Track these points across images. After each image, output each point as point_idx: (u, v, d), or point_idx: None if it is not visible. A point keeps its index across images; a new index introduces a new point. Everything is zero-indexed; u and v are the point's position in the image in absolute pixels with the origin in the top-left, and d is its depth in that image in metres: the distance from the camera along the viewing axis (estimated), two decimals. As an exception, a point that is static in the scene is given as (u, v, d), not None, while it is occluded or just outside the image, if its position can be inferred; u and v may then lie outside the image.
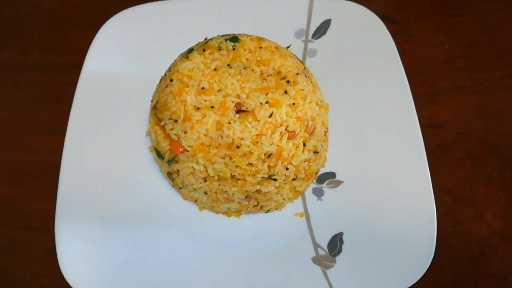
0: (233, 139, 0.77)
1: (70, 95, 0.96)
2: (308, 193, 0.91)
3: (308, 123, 0.82)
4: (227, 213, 0.88)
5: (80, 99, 0.96)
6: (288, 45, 0.91)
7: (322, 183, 0.92)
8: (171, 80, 0.82)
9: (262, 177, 0.80)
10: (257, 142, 0.77)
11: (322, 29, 1.06)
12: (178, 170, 0.83)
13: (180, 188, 0.86)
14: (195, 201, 0.88)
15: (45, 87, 1.06)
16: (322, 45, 1.05)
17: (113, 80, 0.99)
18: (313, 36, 1.06)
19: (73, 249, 0.82)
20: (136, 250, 0.84)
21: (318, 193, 0.91)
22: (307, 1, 1.07)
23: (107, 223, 0.86)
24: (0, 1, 1.19)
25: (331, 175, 0.92)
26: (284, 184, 0.84)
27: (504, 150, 0.98)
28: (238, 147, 0.77)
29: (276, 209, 0.89)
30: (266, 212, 0.89)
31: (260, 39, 0.87)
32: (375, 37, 1.03)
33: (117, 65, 1.00)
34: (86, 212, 0.86)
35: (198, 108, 0.78)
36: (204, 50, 0.83)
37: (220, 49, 0.84)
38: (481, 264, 0.87)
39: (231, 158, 0.78)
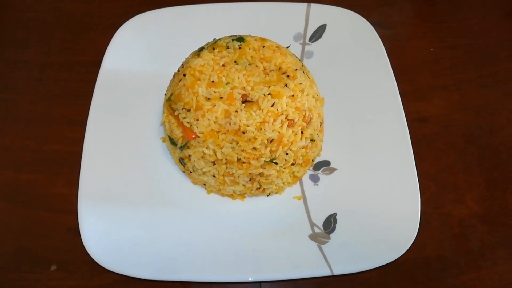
0: (239, 126, 0.85)
1: (88, 91, 1.04)
2: (305, 179, 1.00)
3: (305, 113, 0.90)
4: (233, 196, 0.97)
5: (99, 94, 1.04)
6: (288, 46, 1.01)
7: (318, 170, 1.01)
8: (184, 75, 0.91)
9: (264, 161, 0.89)
10: (261, 129, 0.86)
11: (318, 33, 1.15)
12: (189, 155, 0.92)
13: (191, 172, 0.95)
14: (204, 184, 0.97)
15: (66, 84, 1.14)
16: (318, 48, 1.14)
17: (129, 77, 1.07)
18: (310, 40, 1.15)
19: (94, 227, 0.89)
20: (150, 229, 0.91)
21: (314, 179, 1.00)
22: (304, 8, 1.16)
23: (124, 205, 0.93)
24: (24, 5, 1.28)
25: (326, 163, 1.01)
26: (284, 168, 0.92)
27: (483, 141, 1.07)
28: (244, 133, 0.86)
29: (276, 193, 0.98)
30: (267, 196, 0.98)
31: (263, 39, 0.96)
32: (366, 41, 1.11)
33: (133, 64, 1.09)
34: (105, 195, 0.93)
35: (208, 99, 0.87)
36: (213, 49, 0.93)
37: (227, 48, 0.93)
38: (462, 242, 0.96)
39: (238, 143, 0.86)
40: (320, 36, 1.15)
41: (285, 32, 1.14)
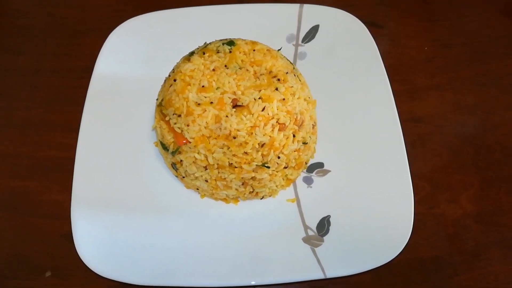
0: (230, 131, 0.85)
1: (81, 97, 1.04)
2: (299, 181, 1.00)
3: (297, 117, 0.90)
4: (226, 199, 0.97)
5: (91, 99, 1.04)
6: (279, 48, 1.01)
7: (312, 172, 1.01)
8: (174, 80, 0.91)
9: (256, 165, 0.88)
10: (252, 133, 0.86)
11: (311, 34, 1.15)
12: (181, 160, 0.92)
13: (183, 177, 0.95)
14: (197, 189, 0.97)
15: (59, 90, 1.14)
16: (311, 49, 1.14)
17: (121, 82, 1.07)
18: (303, 41, 1.15)
19: (87, 234, 0.89)
20: (144, 234, 0.92)
21: (308, 181, 1.00)
22: (297, 9, 1.15)
23: (118, 210, 0.93)
24: (17, 11, 1.28)
25: (319, 165, 1.01)
26: (277, 172, 0.92)
27: (477, 141, 1.07)
28: (234, 137, 0.85)
29: (270, 196, 0.98)
30: (261, 199, 0.97)
31: (253, 42, 0.96)
32: (359, 41, 1.11)
33: (125, 69, 1.09)
34: (98, 201, 0.94)
35: (199, 104, 0.87)
36: (204, 53, 0.93)
37: (218, 52, 0.93)
38: (456, 242, 0.95)
39: (229, 147, 0.86)
40: (313, 37, 1.15)
41: (278, 34, 1.14)
